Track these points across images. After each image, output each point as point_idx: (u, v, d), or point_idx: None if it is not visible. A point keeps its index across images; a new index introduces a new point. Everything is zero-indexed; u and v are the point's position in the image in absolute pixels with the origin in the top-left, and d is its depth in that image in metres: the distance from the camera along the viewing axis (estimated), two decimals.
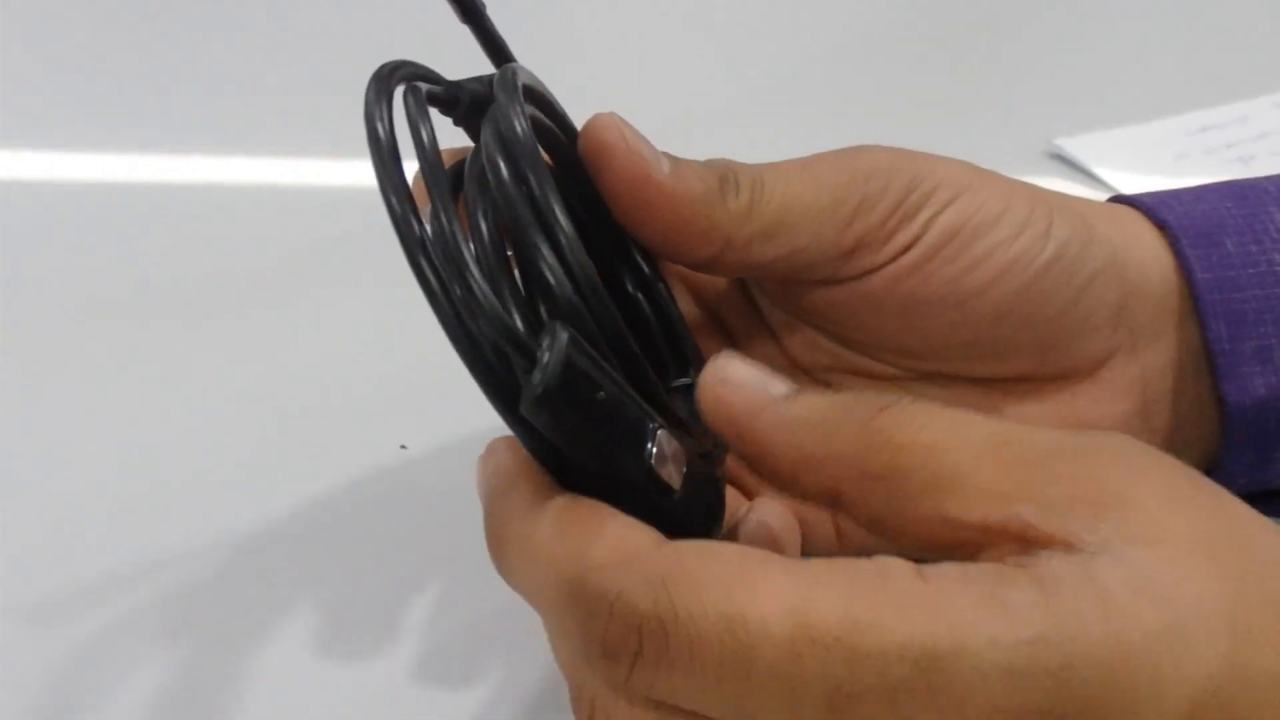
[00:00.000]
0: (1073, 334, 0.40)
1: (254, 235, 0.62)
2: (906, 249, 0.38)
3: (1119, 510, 0.27)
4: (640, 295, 0.39)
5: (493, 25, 0.37)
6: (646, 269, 0.39)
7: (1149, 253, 0.40)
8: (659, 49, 0.81)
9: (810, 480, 0.30)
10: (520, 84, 0.34)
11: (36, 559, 0.43)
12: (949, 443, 0.28)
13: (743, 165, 0.38)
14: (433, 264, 0.30)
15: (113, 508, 0.46)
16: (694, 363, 0.38)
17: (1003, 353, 0.40)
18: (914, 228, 0.38)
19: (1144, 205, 0.42)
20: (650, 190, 0.37)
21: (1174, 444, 0.41)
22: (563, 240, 0.31)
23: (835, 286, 0.39)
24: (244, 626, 0.41)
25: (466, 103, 0.35)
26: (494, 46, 0.37)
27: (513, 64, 0.36)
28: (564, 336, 0.28)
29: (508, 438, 0.33)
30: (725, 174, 0.38)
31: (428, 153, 0.31)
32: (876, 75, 0.76)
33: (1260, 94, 0.69)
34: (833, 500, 0.30)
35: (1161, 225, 0.41)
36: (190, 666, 0.40)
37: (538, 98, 0.36)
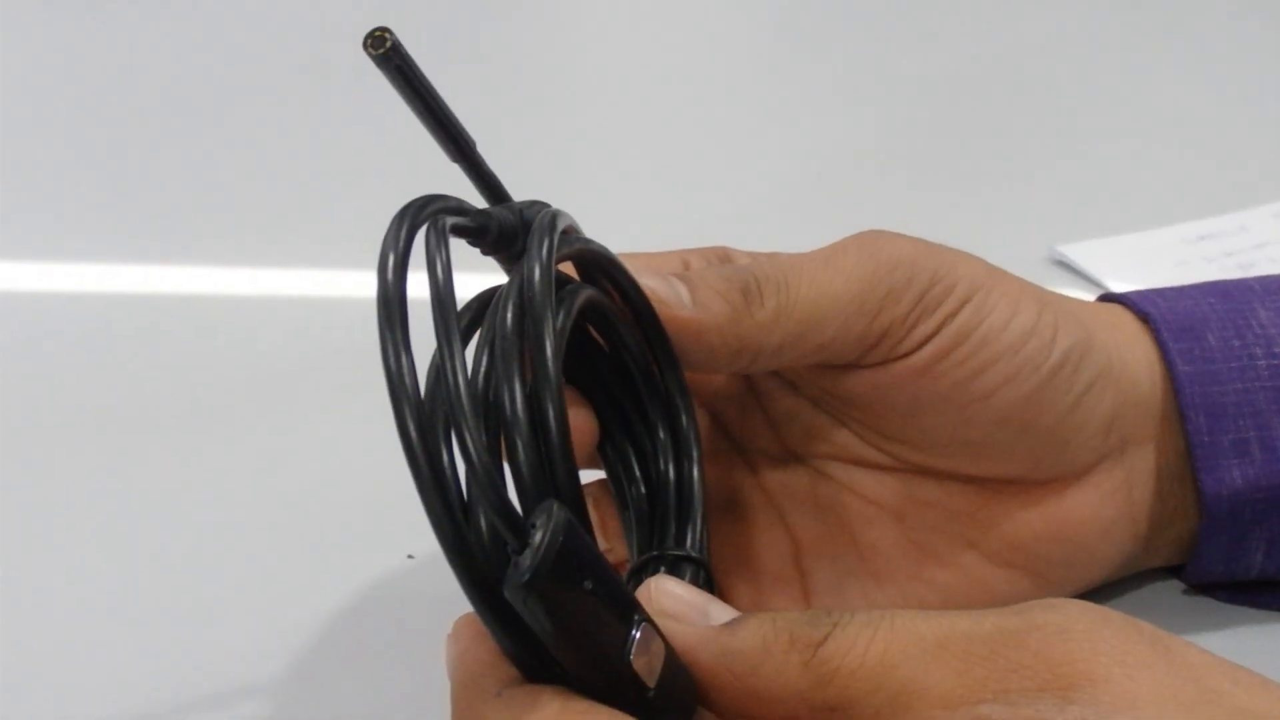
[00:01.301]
0: (1066, 441, 0.40)
1: (257, 346, 0.63)
2: (922, 345, 0.38)
3: (1084, 688, 0.27)
4: (671, 462, 0.38)
5: (485, 163, 0.36)
6: (693, 443, 0.38)
7: (1141, 357, 0.41)
8: (675, 151, 0.82)
9: (764, 715, 0.29)
10: (550, 250, 0.32)
11: (35, 675, 0.43)
12: (897, 657, 0.28)
13: (763, 266, 0.38)
14: (421, 427, 0.28)
15: (113, 622, 0.45)
16: (696, 539, 0.37)
17: (999, 455, 0.40)
18: (932, 323, 0.38)
19: (1129, 301, 0.43)
20: (675, 328, 0.37)
21: (1155, 542, 0.42)
22: (554, 439, 0.30)
23: (855, 373, 0.39)
24: None
25: (495, 233, 0.34)
26: (488, 184, 0.36)
27: (554, 211, 0.35)
28: (560, 517, 0.27)
29: (470, 618, 0.31)
30: (748, 285, 0.38)
31: (441, 296, 0.29)
32: (882, 181, 0.76)
33: (1259, 203, 0.69)
34: None
35: (1145, 317, 0.42)
36: None
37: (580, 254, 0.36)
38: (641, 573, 0.36)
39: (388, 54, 0.32)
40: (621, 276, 0.37)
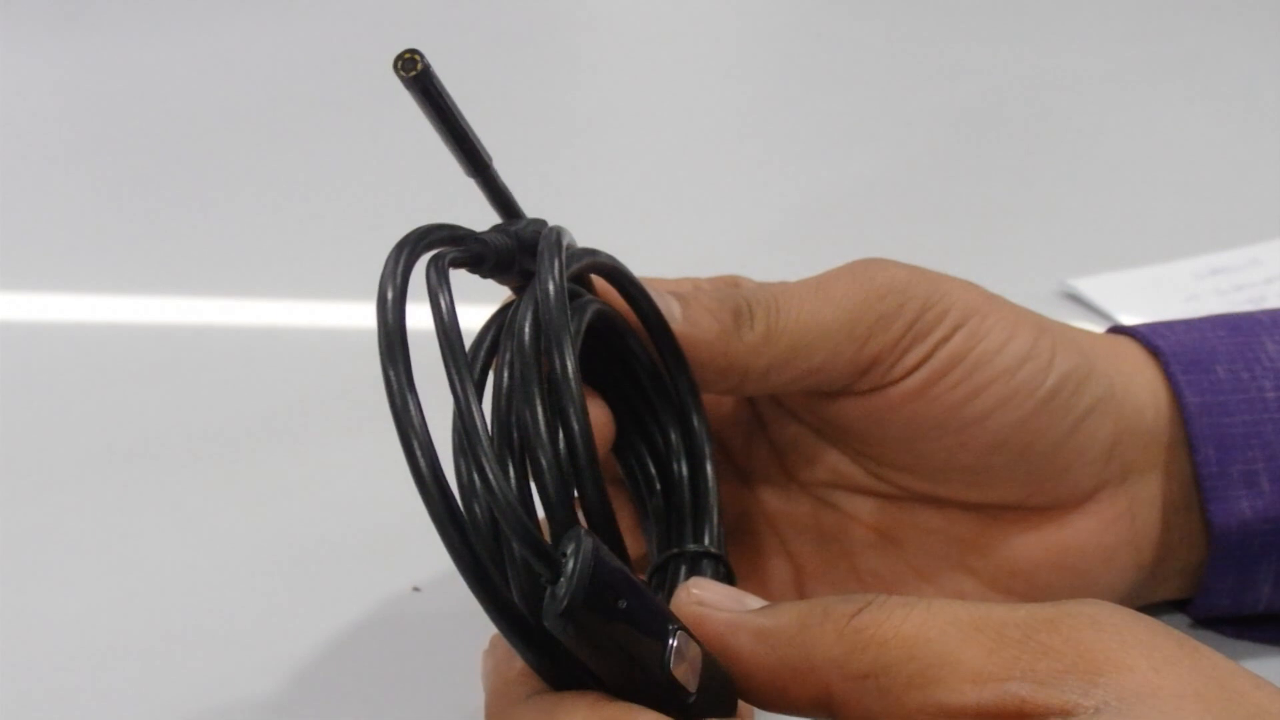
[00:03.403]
0: (1066, 466, 0.40)
1: (265, 377, 0.63)
2: (915, 369, 0.39)
3: (1110, 675, 0.27)
4: (685, 462, 0.39)
5: (500, 178, 0.36)
6: (705, 443, 0.39)
7: (1145, 386, 0.41)
8: (687, 184, 0.82)
9: (798, 690, 0.30)
10: (556, 276, 0.32)
11: (45, 707, 0.43)
12: (930, 632, 0.29)
13: (755, 290, 0.39)
14: (431, 461, 0.29)
15: (122, 653, 0.45)
16: (713, 535, 0.38)
17: (997, 480, 0.40)
18: (924, 349, 0.39)
19: (1139, 334, 0.42)
20: None
21: (1160, 573, 0.42)
22: (581, 456, 0.31)
23: (848, 399, 0.39)
24: None
25: (492, 260, 0.34)
26: (502, 200, 0.37)
27: (556, 229, 0.35)
28: (589, 545, 0.27)
29: None
30: (739, 307, 0.38)
31: (448, 333, 0.29)
32: (894, 214, 0.76)
33: (1271, 237, 0.69)
34: (824, 707, 0.30)
35: (1155, 351, 0.42)
36: None
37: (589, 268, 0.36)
38: (664, 570, 0.37)
39: (418, 76, 0.32)
40: (630, 286, 0.38)
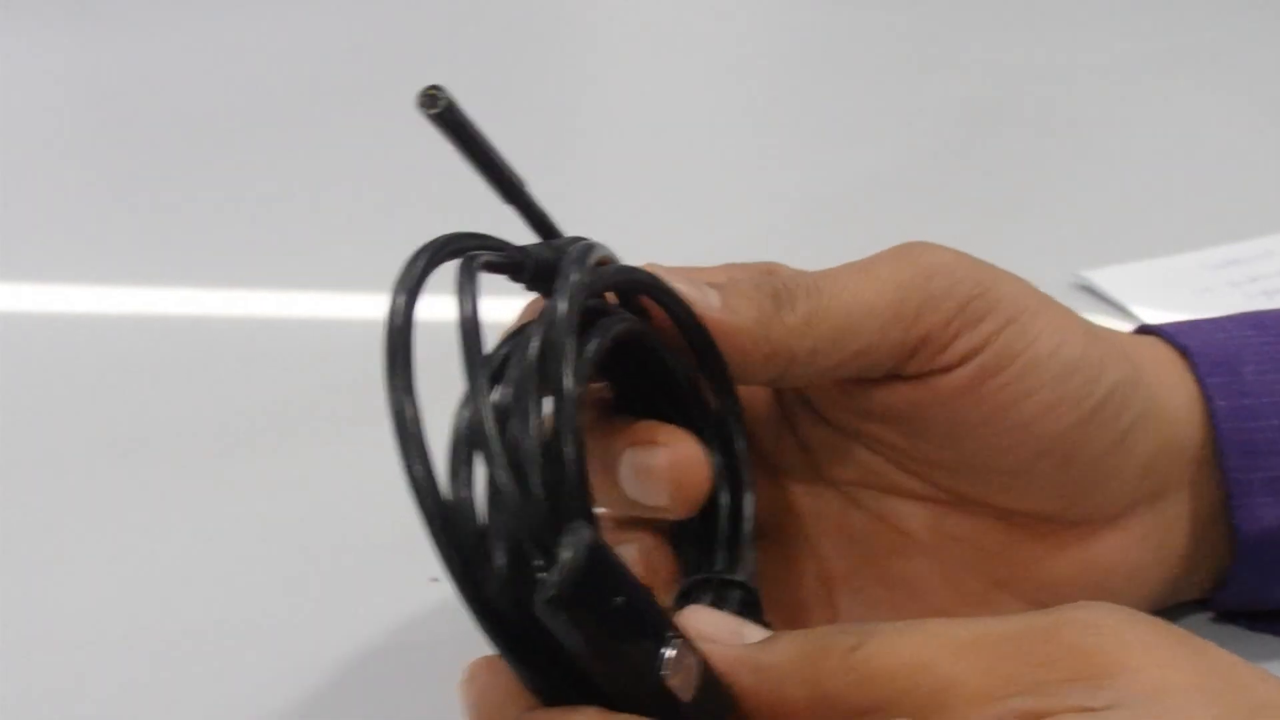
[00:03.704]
0: (1103, 481, 0.39)
1: (281, 369, 0.63)
2: (964, 360, 0.37)
3: (1115, 676, 0.27)
4: (725, 484, 0.38)
5: (536, 200, 0.36)
6: (746, 468, 0.38)
7: (1182, 400, 0.40)
8: (697, 180, 0.82)
9: None
10: (578, 291, 0.32)
11: (56, 705, 0.43)
12: (929, 659, 0.28)
13: (794, 274, 0.38)
14: (425, 466, 0.29)
15: (134, 649, 0.46)
16: (746, 566, 0.38)
17: (1035, 487, 0.39)
18: (975, 338, 0.37)
19: (1166, 334, 0.42)
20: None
21: (1184, 583, 0.42)
22: (570, 469, 0.30)
23: (893, 386, 0.38)
24: None
25: (531, 270, 0.34)
26: (540, 222, 0.36)
27: (586, 245, 0.35)
28: (587, 535, 0.27)
29: (486, 659, 0.32)
30: (778, 290, 0.37)
31: (467, 330, 0.30)
32: (905, 207, 0.76)
33: None
34: None
35: (1182, 351, 0.41)
36: None
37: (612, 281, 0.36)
38: (690, 594, 0.37)
39: (442, 114, 0.32)
40: (671, 301, 0.37)
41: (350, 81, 0.96)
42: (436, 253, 0.31)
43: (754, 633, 0.32)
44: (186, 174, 0.85)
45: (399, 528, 0.50)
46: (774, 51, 1.08)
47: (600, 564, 0.28)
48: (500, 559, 0.29)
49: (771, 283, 0.37)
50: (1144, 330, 0.43)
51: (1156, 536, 0.40)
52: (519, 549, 0.29)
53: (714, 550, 0.38)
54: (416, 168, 0.81)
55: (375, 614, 0.46)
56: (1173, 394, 0.40)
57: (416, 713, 0.42)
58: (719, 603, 0.36)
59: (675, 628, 0.30)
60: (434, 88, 0.32)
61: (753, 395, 0.41)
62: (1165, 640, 0.28)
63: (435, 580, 0.47)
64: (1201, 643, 0.29)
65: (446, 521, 0.29)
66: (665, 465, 0.36)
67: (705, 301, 0.36)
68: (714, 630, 0.31)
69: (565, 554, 0.27)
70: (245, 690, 0.43)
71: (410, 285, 0.30)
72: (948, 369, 0.37)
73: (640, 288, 0.37)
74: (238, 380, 0.62)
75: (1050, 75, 0.93)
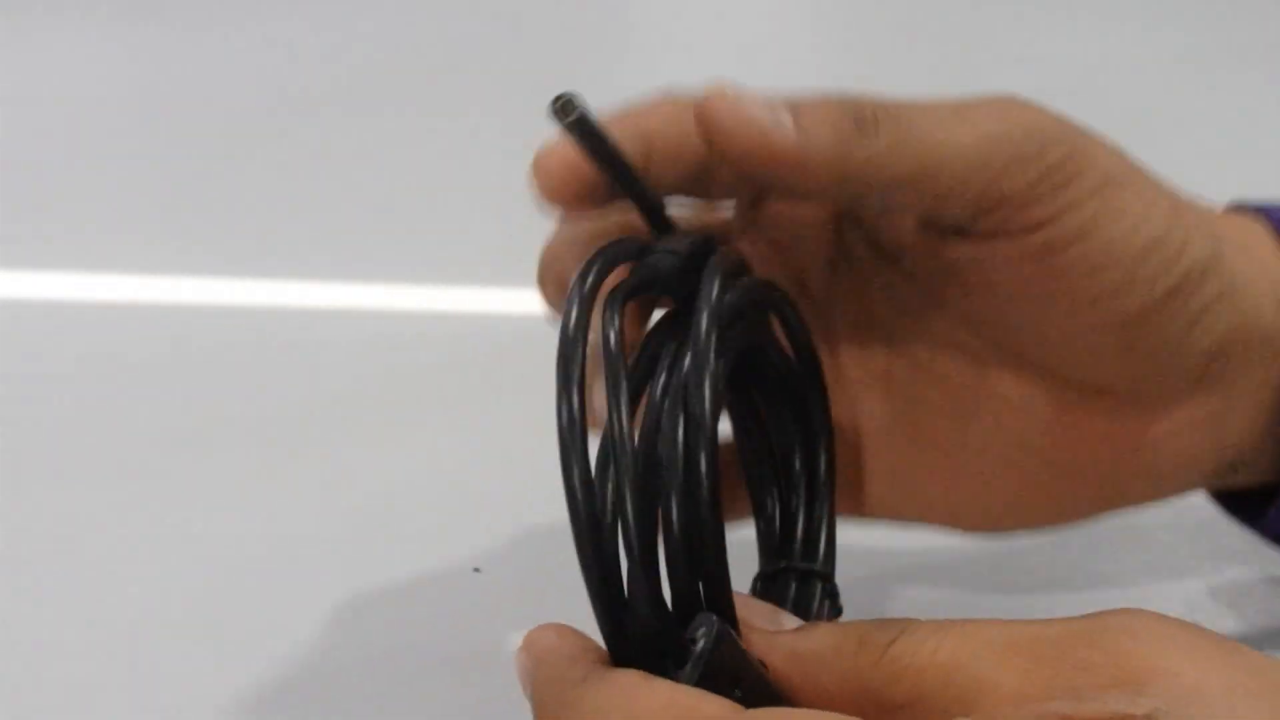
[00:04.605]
0: (1168, 363, 0.37)
1: (335, 360, 0.63)
2: (1039, 227, 0.35)
3: (1156, 681, 0.27)
4: (803, 483, 0.38)
5: (668, 213, 0.36)
6: (828, 486, 0.38)
7: (1269, 283, 0.38)
8: None
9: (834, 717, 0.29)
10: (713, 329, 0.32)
11: (96, 691, 0.44)
12: (966, 657, 0.28)
13: (882, 100, 0.35)
14: (592, 510, 0.29)
15: (175, 631, 0.46)
16: (828, 556, 0.38)
17: (1094, 361, 0.37)
18: (1055, 204, 0.35)
19: (1266, 210, 0.39)
20: (777, 160, 0.34)
21: (1229, 475, 0.40)
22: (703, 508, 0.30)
23: (960, 240, 0.37)
24: None
25: (660, 286, 0.34)
26: (656, 217, 0.36)
27: (711, 264, 0.33)
28: (716, 629, 0.29)
29: (547, 625, 0.32)
30: (861, 112, 0.34)
31: (615, 373, 0.30)
32: None
33: None
34: None
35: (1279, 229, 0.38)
36: None
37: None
38: (773, 580, 0.37)
39: (576, 123, 0.32)
40: (793, 320, 0.37)
41: (395, 75, 0.96)
42: (604, 269, 0.32)
43: (790, 621, 0.32)
44: (232, 165, 0.86)
45: (450, 516, 0.51)
46: (818, 47, 1.08)
47: (725, 661, 0.29)
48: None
49: (856, 104, 0.35)
50: (1238, 207, 0.40)
51: (1215, 422, 0.38)
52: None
53: (792, 536, 0.38)
54: (461, 159, 0.81)
55: (421, 601, 0.46)
56: (1259, 275, 0.38)
57: (457, 701, 0.42)
58: (801, 596, 0.37)
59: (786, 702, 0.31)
60: (566, 96, 0.32)
61: (813, 220, 0.39)
62: (1203, 643, 0.28)
63: (478, 570, 0.48)
64: (1239, 646, 0.28)
65: (600, 551, 0.30)
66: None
67: (779, 126, 0.34)
68: (750, 616, 0.31)
69: (698, 644, 0.29)
70: (293, 672, 0.43)
71: (581, 299, 0.31)
72: (1020, 232, 0.36)
73: (770, 306, 0.37)
74: (285, 371, 0.62)
75: (1097, 70, 0.93)
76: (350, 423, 0.58)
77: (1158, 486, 0.40)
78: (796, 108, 0.34)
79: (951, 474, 0.40)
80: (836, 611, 0.37)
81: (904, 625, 0.29)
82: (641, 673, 0.30)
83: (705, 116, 0.34)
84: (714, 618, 0.29)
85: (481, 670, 0.43)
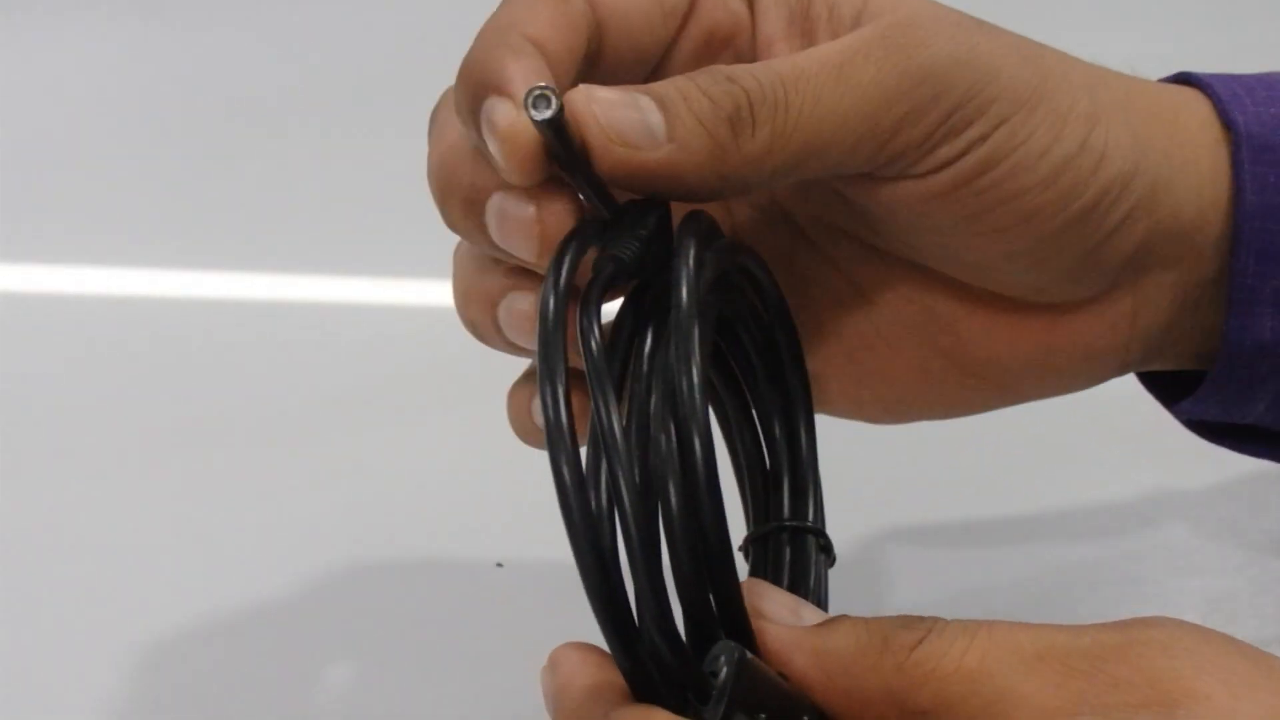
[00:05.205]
0: (1081, 276, 0.36)
1: (353, 353, 0.63)
2: (941, 168, 0.33)
3: (1188, 706, 0.26)
4: (784, 442, 0.38)
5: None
6: (804, 435, 0.38)
7: (1192, 180, 0.36)
8: None
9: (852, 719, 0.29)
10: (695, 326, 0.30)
11: (120, 686, 0.44)
12: (993, 665, 0.28)
13: (758, 81, 0.32)
14: (595, 541, 0.28)
15: (198, 623, 0.46)
16: (816, 510, 0.37)
17: (1000, 278, 0.36)
18: (957, 146, 0.33)
19: (1214, 97, 0.37)
20: (650, 174, 0.31)
21: (1137, 367, 0.39)
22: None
23: (860, 181, 0.34)
24: None
25: (625, 276, 0.33)
26: (603, 196, 0.35)
27: (686, 245, 0.31)
28: (736, 659, 0.28)
29: (573, 646, 0.31)
30: (738, 110, 0.31)
31: (600, 379, 0.29)
32: None
33: None
34: None
35: (1228, 126, 0.36)
36: None
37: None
38: (765, 542, 0.37)
39: (552, 120, 0.30)
40: (759, 271, 0.36)
41: (398, 70, 0.95)
42: (575, 258, 0.30)
43: (812, 614, 0.31)
44: (244, 159, 0.85)
45: (472, 512, 0.51)
46: None
47: (750, 688, 0.28)
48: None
49: (733, 97, 0.32)
50: (1186, 80, 0.38)
51: (1127, 321, 0.37)
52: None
53: (780, 493, 0.38)
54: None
55: (444, 597, 0.47)
56: (1181, 175, 0.36)
57: (483, 696, 0.42)
58: (796, 552, 0.36)
59: (813, 711, 0.30)
60: (540, 90, 0.30)
61: None
62: (1240, 664, 0.27)
63: (500, 566, 0.48)
64: (1277, 664, 0.27)
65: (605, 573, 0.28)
66: (533, 219, 0.32)
67: (649, 138, 0.31)
68: (772, 610, 0.31)
69: (721, 676, 0.27)
70: (315, 666, 0.44)
71: (558, 289, 0.29)
72: (923, 175, 0.33)
73: (742, 271, 0.36)
74: (295, 367, 0.62)
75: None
76: (369, 418, 0.58)
77: (1063, 383, 0.39)
78: (666, 105, 0.31)
79: (851, 364, 0.39)
80: (831, 562, 0.37)
81: (930, 625, 0.29)
82: (664, 714, 0.28)
83: (573, 124, 0.31)
84: (733, 646, 0.28)
85: (504, 669, 0.43)
